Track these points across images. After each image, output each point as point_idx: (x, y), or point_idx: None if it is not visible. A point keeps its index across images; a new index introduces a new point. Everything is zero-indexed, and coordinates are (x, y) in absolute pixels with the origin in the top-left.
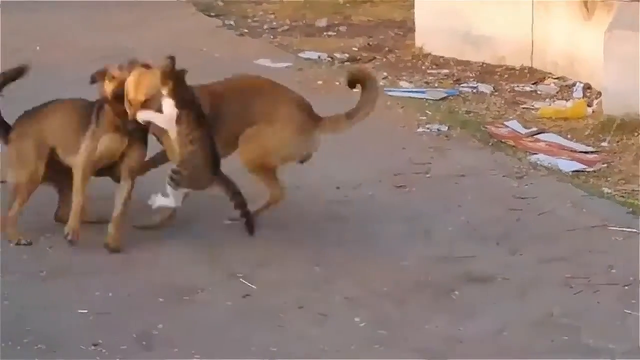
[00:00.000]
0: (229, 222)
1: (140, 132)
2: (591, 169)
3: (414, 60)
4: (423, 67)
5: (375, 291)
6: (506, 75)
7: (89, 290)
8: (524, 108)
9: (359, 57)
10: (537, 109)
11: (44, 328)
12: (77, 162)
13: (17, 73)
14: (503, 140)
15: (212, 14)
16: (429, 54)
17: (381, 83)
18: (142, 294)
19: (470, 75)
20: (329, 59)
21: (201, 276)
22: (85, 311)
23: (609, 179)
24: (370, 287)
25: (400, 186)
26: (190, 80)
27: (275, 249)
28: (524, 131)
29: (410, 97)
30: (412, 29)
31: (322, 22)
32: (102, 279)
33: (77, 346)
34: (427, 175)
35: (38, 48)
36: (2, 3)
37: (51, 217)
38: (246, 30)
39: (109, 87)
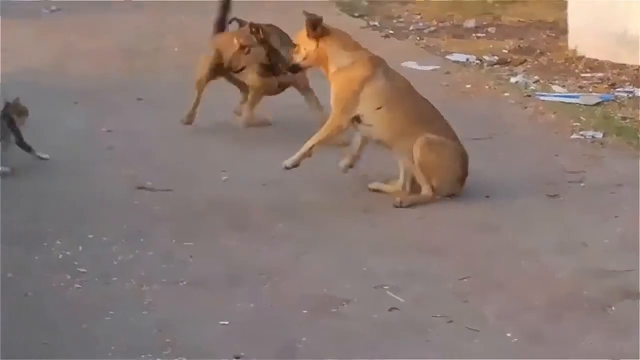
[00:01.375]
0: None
1: None
2: None
3: (567, 64)
4: (576, 71)
5: (527, 305)
6: None
7: (230, 301)
8: None
9: (509, 60)
10: None
11: (184, 340)
12: None
13: None
14: None
15: (356, 14)
16: (583, 56)
17: (532, 87)
18: (285, 305)
19: (626, 79)
20: (478, 61)
21: (347, 288)
22: (227, 323)
23: None
24: (522, 301)
25: (554, 195)
26: None
27: (422, 260)
28: None
29: (562, 102)
30: (564, 31)
31: (471, 23)
32: (244, 290)
33: (219, 359)
34: (582, 185)
35: (176, 49)
36: (137, 3)
37: (184, 226)
38: (391, 31)
39: None
